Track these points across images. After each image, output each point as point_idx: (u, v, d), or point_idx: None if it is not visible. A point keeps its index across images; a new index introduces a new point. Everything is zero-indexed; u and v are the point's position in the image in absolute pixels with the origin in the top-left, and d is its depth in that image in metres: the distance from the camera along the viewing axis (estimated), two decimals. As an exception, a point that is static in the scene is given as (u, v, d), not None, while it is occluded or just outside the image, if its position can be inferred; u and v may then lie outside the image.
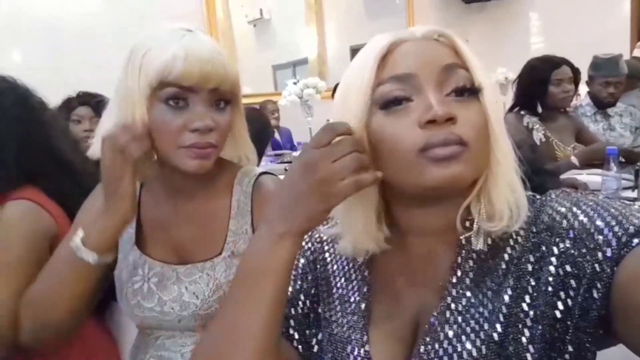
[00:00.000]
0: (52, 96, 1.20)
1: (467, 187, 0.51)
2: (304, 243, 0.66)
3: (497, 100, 0.53)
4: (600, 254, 0.45)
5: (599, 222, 0.47)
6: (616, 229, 0.45)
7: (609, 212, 0.47)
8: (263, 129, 2.24)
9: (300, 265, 0.65)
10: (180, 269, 0.84)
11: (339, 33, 4.82)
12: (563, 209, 0.50)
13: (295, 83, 3.10)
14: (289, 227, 0.48)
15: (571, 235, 0.48)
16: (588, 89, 2.62)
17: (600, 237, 0.46)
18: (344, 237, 0.57)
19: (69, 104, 1.98)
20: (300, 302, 0.63)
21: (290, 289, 0.62)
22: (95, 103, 1.90)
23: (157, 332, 0.86)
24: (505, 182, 0.51)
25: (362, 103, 0.50)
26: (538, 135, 2.16)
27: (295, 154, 3.07)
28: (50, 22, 3.06)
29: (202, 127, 0.74)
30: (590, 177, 1.78)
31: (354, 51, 4.91)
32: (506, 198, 0.50)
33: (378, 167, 0.50)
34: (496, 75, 3.73)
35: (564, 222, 0.49)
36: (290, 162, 2.90)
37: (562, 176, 1.76)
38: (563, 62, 2.20)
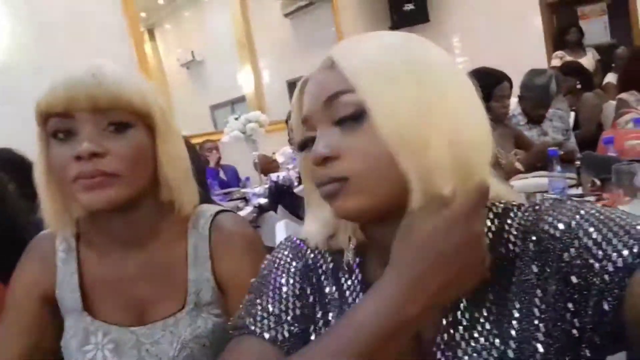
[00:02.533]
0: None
1: (401, 203, 0.47)
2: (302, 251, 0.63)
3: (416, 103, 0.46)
4: (610, 265, 0.43)
5: (606, 232, 0.44)
6: (625, 238, 0.43)
7: (615, 221, 0.45)
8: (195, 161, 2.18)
9: (299, 268, 0.62)
10: (139, 330, 0.75)
11: (273, 68, 4.85)
12: (565, 218, 0.48)
13: (236, 118, 3.05)
14: (423, 305, 0.43)
15: (576, 244, 0.45)
16: (519, 104, 2.76)
17: (609, 248, 0.43)
18: (312, 225, 0.60)
19: None
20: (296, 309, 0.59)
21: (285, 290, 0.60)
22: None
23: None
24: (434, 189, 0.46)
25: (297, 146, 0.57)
26: None
27: (245, 190, 3.00)
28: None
29: (81, 153, 0.64)
30: (536, 179, 1.83)
31: (291, 85, 5.01)
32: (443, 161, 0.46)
33: None
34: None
35: (568, 231, 0.47)
36: (241, 199, 2.81)
37: (511, 182, 1.81)
38: (503, 77, 2.30)
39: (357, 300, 0.55)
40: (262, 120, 3.07)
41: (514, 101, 2.92)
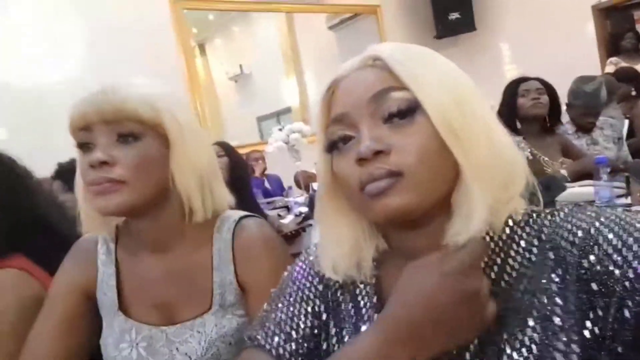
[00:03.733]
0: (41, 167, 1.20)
1: (439, 206, 0.49)
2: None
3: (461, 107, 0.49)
4: (631, 272, 0.42)
5: (626, 237, 0.44)
6: None
7: (635, 227, 0.44)
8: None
9: (314, 284, 0.63)
10: (169, 329, 0.80)
11: (317, 80, 4.93)
12: (584, 224, 0.47)
13: (280, 129, 3.13)
14: (413, 354, 0.45)
15: (596, 251, 0.45)
16: (567, 112, 2.67)
17: (630, 254, 0.43)
18: (325, 255, 0.57)
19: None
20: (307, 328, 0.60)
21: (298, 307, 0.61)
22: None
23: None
24: (482, 189, 0.47)
25: (321, 148, 0.54)
26: (525, 154, 2.16)
27: (288, 199, 3.06)
28: (32, 92, 3.08)
29: (92, 161, 0.71)
30: (582, 188, 1.76)
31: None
32: (485, 205, 0.47)
33: (347, 200, 0.54)
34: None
35: (588, 237, 0.46)
36: (283, 207, 2.87)
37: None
38: (532, 78, 2.27)
39: (373, 317, 0.56)
40: (304, 131, 3.13)
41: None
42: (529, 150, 2.17)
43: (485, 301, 0.46)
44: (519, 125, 2.24)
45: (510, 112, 2.22)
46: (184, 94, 3.85)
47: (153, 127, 0.74)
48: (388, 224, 0.52)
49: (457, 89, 0.50)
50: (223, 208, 0.85)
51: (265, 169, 3.72)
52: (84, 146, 0.74)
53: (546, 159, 2.17)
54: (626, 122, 3.05)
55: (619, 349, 0.43)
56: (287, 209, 2.80)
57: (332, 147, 0.52)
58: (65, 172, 1.54)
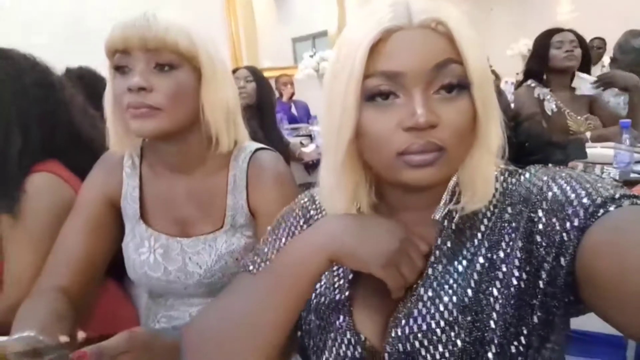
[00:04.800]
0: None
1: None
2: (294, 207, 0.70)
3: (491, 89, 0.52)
4: (568, 224, 0.47)
5: (570, 194, 0.48)
6: (585, 200, 0.47)
7: (581, 184, 0.49)
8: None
9: (301, 226, 0.67)
10: (184, 241, 0.90)
11: (359, 4, 4.73)
12: (539, 182, 0.52)
13: (311, 56, 3.08)
14: (335, 251, 0.53)
15: (544, 206, 0.50)
16: (610, 66, 2.55)
17: (570, 208, 0.47)
18: (326, 197, 0.60)
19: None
20: None
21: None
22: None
23: (165, 296, 0.93)
24: (486, 163, 0.53)
25: (351, 95, 0.49)
26: (550, 106, 2.13)
27: (313, 127, 3.09)
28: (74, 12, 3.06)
29: (131, 86, 0.76)
30: (602, 150, 1.75)
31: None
32: (487, 178, 0.53)
33: (365, 153, 0.53)
34: (519, 47, 3.64)
35: (539, 194, 0.51)
36: (306, 136, 2.91)
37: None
38: (566, 30, 2.18)
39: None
40: (336, 59, 3.07)
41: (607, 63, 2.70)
42: (554, 103, 2.13)
43: (407, 243, 0.54)
44: (545, 76, 2.19)
45: (540, 63, 2.18)
46: (220, 8, 3.78)
47: (189, 59, 0.80)
48: (409, 188, 0.54)
49: (488, 69, 0.51)
50: (242, 139, 0.92)
51: (293, 94, 3.71)
52: (120, 69, 0.79)
53: (571, 113, 2.13)
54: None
55: (552, 292, 0.48)
56: (311, 137, 2.84)
57: (372, 98, 0.50)
58: (81, 79, 1.59)
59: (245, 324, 0.55)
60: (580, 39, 2.15)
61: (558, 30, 2.18)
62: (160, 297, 0.94)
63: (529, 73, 2.27)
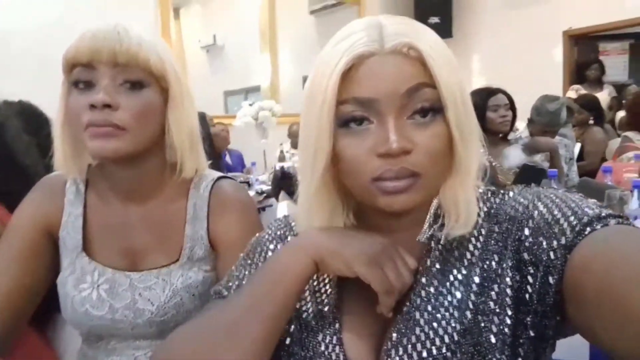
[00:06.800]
0: None
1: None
2: (273, 229, 0.67)
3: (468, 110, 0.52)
4: (555, 242, 0.47)
5: (556, 213, 0.49)
6: (571, 219, 0.47)
7: (567, 203, 0.49)
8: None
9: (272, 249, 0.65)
10: (133, 275, 0.80)
11: (292, 61, 4.89)
12: (525, 201, 0.53)
13: (251, 104, 3.10)
14: (319, 252, 0.52)
15: (530, 225, 0.50)
16: (527, 127, 2.80)
17: (557, 227, 0.48)
18: (303, 222, 0.58)
19: None
20: None
21: None
22: None
23: (107, 339, 0.81)
24: (467, 186, 0.53)
25: (325, 121, 0.49)
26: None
27: (249, 175, 3.05)
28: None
29: (95, 102, 0.69)
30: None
31: (306, 80, 5.00)
32: (468, 201, 0.53)
33: (342, 178, 0.53)
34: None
35: (525, 212, 0.51)
36: (244, 183, 2.86)
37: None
38: (498, 90, 2.37)
39: (329, 286, 0.59)
40: (275, 110, 3.13)
41: (522, 125, 2.96)
42: (485, 158, 2.28)
43: (388, 252, 0.52)
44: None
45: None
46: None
47: (158, 78, 0.75)
48: (396, 216, 0.53)
49: (464, 91, 0.51)
50: (202, 167, 0.86)
51: (228, 143, 3.68)
52: (80, 83, 0.72)
53: (500, 166, 2.29)
54: (578, 145, 3.24)
55: (542, 311, 0.48)
56: (248, 184, 2.79)
57: (345, 124, 0.50)
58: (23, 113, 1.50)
59: (228, 338, 0.50)
60: (509, 99, 2.35)
61: (492, 92, 2.34)
62: (100, 340, 0.81)
63: None
